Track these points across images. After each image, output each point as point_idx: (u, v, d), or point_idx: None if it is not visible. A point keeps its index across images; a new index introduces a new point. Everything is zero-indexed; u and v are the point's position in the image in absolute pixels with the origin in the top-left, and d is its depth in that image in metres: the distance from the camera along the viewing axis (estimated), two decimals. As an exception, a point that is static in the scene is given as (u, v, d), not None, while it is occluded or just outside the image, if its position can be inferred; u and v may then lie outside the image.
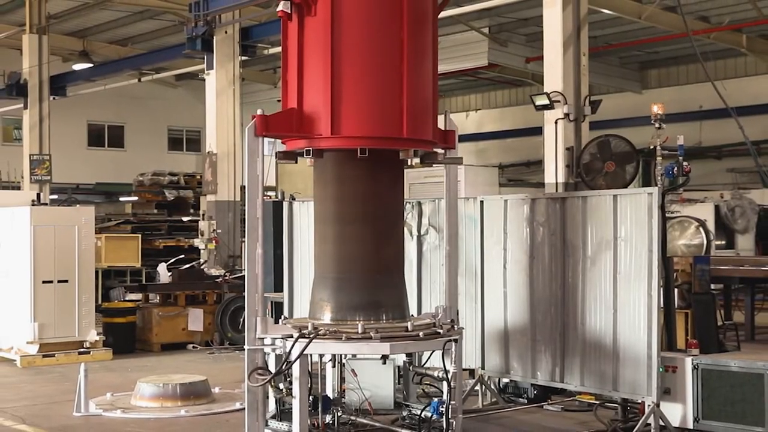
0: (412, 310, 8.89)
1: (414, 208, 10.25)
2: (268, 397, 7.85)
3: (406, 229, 9.01)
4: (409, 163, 8.05)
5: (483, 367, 9.87)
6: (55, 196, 25.04)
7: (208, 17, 17.90)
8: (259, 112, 7.79)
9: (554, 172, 12.86)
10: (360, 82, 7.56)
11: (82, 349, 13.32)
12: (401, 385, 9.04)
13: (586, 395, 9.49)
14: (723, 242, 19.54)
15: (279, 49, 8.11)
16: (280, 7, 7.77)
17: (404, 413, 8.55)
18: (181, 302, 15.05)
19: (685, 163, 8.93)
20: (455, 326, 8.12)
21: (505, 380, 10.05)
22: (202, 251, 18.36)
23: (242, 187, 17.44)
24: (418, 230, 10.25)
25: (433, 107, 8.01)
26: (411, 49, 7.63)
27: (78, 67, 26.88)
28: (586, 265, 8.90)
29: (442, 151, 8.30)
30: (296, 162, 8.28)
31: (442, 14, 16.04)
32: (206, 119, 18.60)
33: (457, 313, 8.45)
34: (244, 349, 7.79)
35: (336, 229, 7.86)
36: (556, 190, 12.54)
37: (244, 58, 19.02)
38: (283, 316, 8.76)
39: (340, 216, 7.82)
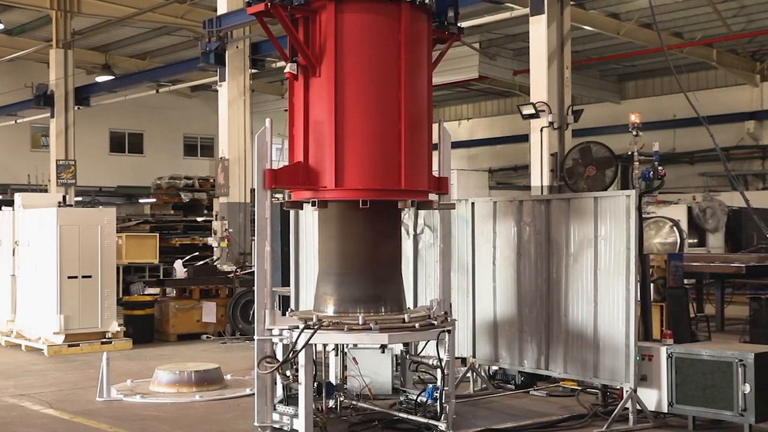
0: (409, 303, 8.89)
1: (410, 209, 10.24)
2: (276, 384, 7.84)
3: (403, 228, 9.00)
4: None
5: (474, 356, 9.87)
6: (79, 198, 25.08)
7: (221, 33, 17.91)
8: (267, 120, 7.80)
9: (540, 176, 12.85)
10: (361, 138, 7.57)
11: (104, 339, 13.31)
12: (399, 372, 9.04)
13: (569, 381, 9.49)
14: (695, 241, 19.58)
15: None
16: (287, 69, 7.78)
17: (401, 398, 8.54)
18: (196, 296, 15.05)
19: (660, 168, 8.94)
20: (448, 318, 8.13)
21: (495, 368, 10.05)
22: (215, 249, 18.35)
23: (252, 190, 17.45)
24: (414, 229, 10.24)
25: (428, 159, 8.04)
26: (408, 108, 7.65)
27: (101, 79, 26.91)
28: (569, 261, 8.90)
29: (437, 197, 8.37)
30: (302, 208, 8.30)
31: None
32: (219, 127, 18.59)
33: (450, 306, 8.45)
34: (253, 339, 7.81)
35: (339, 229, 7.88)
36: (542, 193, 12.54)
37: (253, 70, 19.02)
38: (289, 309, 8.75)
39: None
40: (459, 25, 8.45)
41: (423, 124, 7.93)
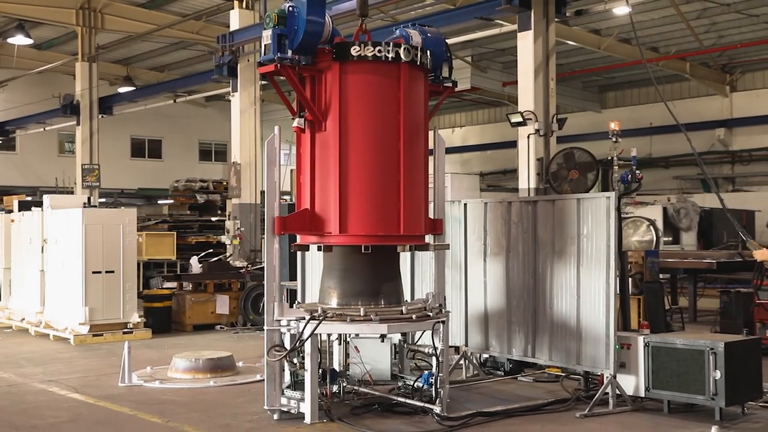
0: (406, 296, 8.88)
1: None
2: (284, 370, 7.84)
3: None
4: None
5: (466, 345, 9.87)
6: (103, 200, 25.06)
7: (233, 48, 17.91)
8: (276, 128, 7.81)
9: (527, 179, 12.85)
10: (363, 188, 7.58)
11: (125, 330, 13.31)
12: (397, 359, 9.03)
13: (553, 368, 9.48)
14: (670, 239, 19.60)
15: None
16: (295, 123, 7.79)
17: (399, 384, 8.53)
18: (210, 289, 15.04)
19: (637, 172, 8.94)
20: (443, 310, 8.13)
21: (485, 355, 10.04)
22: (228, 246, 18.35)
23: (262, 192, 17.44)
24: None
25: (425, 204, 8.06)
26: (406, 160, 7.67)
27: (123, 90, 26.90)
28: (553, 258, 8.90)
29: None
30: (308, 250, 8.28)
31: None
32: (231, 134, 18.60)
33: (445, 299, 8.45)
34: (263, 329, 7.81)
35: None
36: (529, 195, 12.54)
37: (263, 82, 19.02)
38: (296, 302, 8.75)
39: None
40: (453, 79, 8.47)
41: (420, 173, 7.94)
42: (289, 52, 7.41)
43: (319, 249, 7.82)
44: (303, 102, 7.69)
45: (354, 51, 7.53)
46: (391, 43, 7.66)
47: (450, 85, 8.41)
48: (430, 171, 8.29)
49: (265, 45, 7.46)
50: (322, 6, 7.49)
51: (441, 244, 8.38)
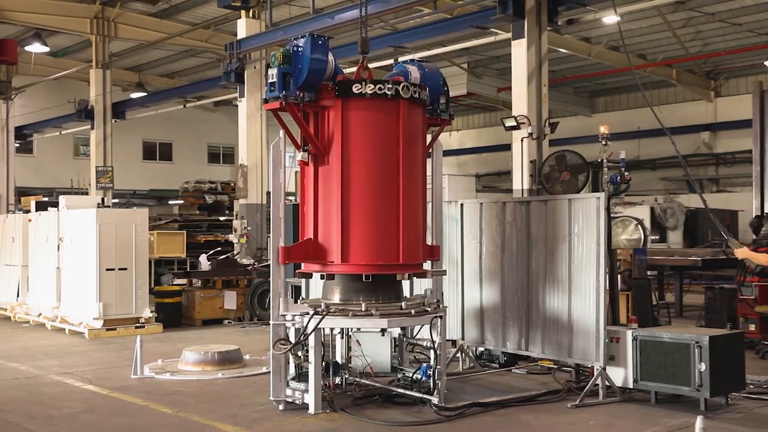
0: (405, 291, 8.88)
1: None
2: (289, 363, 7.84)
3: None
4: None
5: (463, 338, 9.87)
6: (116, 200, 25.07)
7: (240, 55, 17.93)
8: (281, 132, 7.80)
9: (521, 181, 12.86)
10: (364, 219, 7.56)
11: (138, 324, 13.32)
12: (397, 352, 9.02)
13: (546, 361, 9.48)
14: (657, 237, 19.58)
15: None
16: (299, 157, 7.78)
17: (399, 375, 8.53)
18: (219, 286, 15.04)
19: (626, 173, 8.93)
20: (440, 305, 8.13)
21: (481, 349, 10.04)
22: (235, 244, 18.36)
23: (268, 193, 17.45)
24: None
25: (423, 233, 8.05)
26: (405, 192, 7.66)
27: (135, 95, 26.96)
28: (546, 255, 8.89)
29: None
30: (311, 278, 8.30)
31: (432, 51, 16.01)
32: (239, 138, 18.61)
33: (442, 295, 8.46)
34: (269, 324, 7.82)
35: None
36: (522, 195, 12.54)
37: (269, 88, 19.01)
38: (301, 298, 8.75)
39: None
40: (450, 112, 8.45)
41: (418, 204, 7.92)
42: (294, 90, 7.40)
43: (322, 277, 7.83)
44: (306, 137, 7.68)
45: (355, 89, 7.53)
46: (391, 81, 7.65)
47: (447, 117, 8.40)
48: (429, 173, 8.29)
49: (270, 83, 7.48)
50: (325, 45, 7.48)
51: (438, 270, 8.39)
